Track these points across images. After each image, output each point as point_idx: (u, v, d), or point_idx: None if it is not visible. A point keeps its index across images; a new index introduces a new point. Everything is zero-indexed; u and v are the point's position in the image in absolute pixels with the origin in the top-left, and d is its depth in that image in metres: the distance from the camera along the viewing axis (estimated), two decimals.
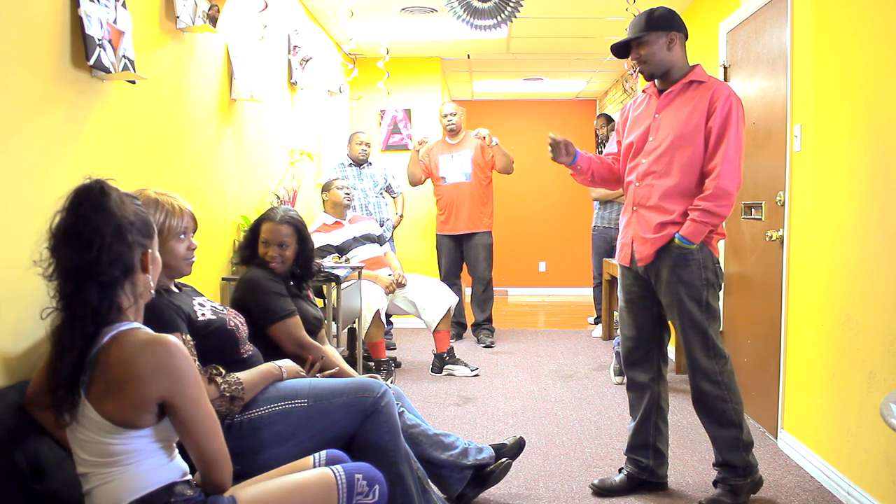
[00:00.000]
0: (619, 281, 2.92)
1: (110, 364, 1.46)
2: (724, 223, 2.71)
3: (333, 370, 2.58)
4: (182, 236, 2.04)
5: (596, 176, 2.95)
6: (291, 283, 2.81)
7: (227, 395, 2.03)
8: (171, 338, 1.50)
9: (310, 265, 2.85)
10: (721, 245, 4.18)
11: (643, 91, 2.88)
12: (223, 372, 2.05)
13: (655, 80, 2.78)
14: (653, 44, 2.67)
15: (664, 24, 2.68)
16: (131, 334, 1.49)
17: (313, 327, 2.74)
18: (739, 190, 2.64)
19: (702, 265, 2.65)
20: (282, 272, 2.76)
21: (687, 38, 2.74)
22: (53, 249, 1.47)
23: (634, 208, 2.78)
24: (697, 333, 2.67)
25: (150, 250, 1.57)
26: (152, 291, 1.61)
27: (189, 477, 1.60)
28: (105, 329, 1.49)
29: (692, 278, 2.65)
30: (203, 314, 2.14)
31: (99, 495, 1.49)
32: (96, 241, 1.45)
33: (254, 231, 2.81)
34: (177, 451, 1.60)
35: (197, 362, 1.99)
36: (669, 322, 2.84)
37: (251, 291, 2.64)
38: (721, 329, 4.17)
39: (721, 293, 4.17)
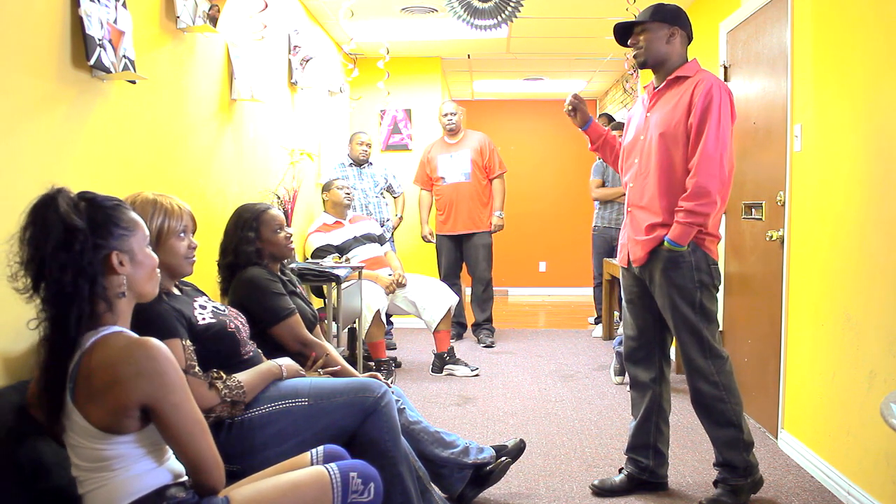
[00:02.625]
0: (620, 281, 2.92)
1: (92, 369, 1.45)
2: (720, 225, 2.70)
3: (335, 368, 2.58)
4: (182, 235, 2.04)
5: (606, 147, 3.01)
6: (285, 278, 2.80)
7: (229, 400, 2.03)
8: (153, 341, 1.48)
9: None
10: (721, 245, 4.18)
11: (644, 87, 2.88)
12: (223, 376, 2.05)
13: (655, 77, 2.77)
14: (653, 32, 2.67)
15: (669, 17, 2.68)
16: (113, 338, 1.48)
17: (309, 324, 2.73)
18: (728, 185, 2.59)
19: (694, 267, 2.63)
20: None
21: (691, 39, 2.74)
22: (20, 262, 1.48)
23: (629, 209, 2.79)
24: (692, 335, 2.66)
25: (115, 251, 1.52)
26: (123, 293, 1.54)
27: (183, 479, 1.59)
28: (88, 334, 1.48)
29: (684, 280, 2.64)
30: (204, 318, 2.14)
31: (93, 500, 1.49)
32: (39, 251, 1.45)
33: (255, 229, 2.72)
34: (170, 453, 1.59)
35: (197, 367, 2.00)
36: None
37: (252, 293, 2.61)
38: (720, 329, 4.17)
39: (721, 293, 4.17)
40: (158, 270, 1.65)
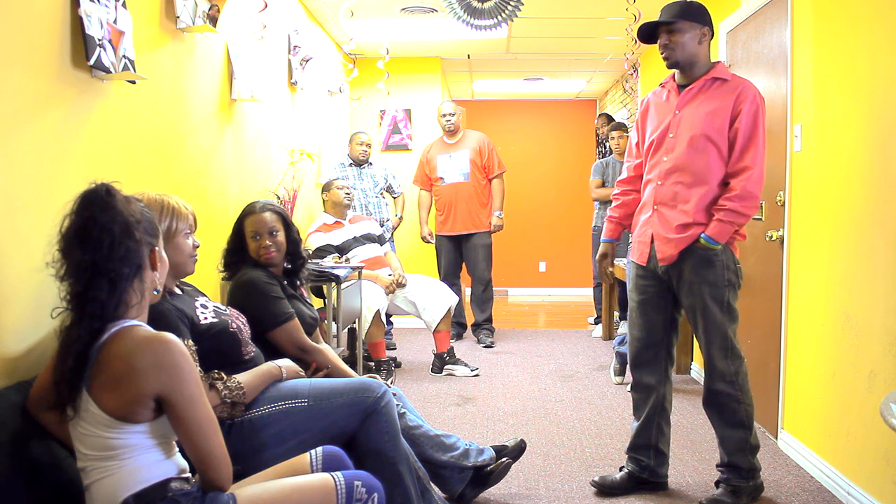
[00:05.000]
0: (632, 280, 2.88)
1: (110, 359, 1.49)
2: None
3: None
4: (187, 234, 2.06)
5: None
6: (285, 281, 2.74)
7: (229, 401, 2.03)
8: (172, 336, 1.53)
9: (299, 250, 2.77)
10: None
11: (661, 85, 2.84)
12: (224, 377, 2.05)
13: (675, 75, 2.75)
14: (685, 32, 2.64)
15: (700, 17, 2.65)
16: (133, 331, 1.52)
17: (309, 327, 2.70)
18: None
19: (725, 266, 2.65)
20: (278, 262, 2.70)
21: (713, 38, 2.72)
22: (64, 251, 1.51)
23: (655, 207, 2.74)
24: (717, 334, 2.66)
25: (157, 248, 1.60)
26: (157, 289, 1.63)
27: (188, 474, 1.61)
28: (109, 325, 1.52)
29: (716, 279, 2.64)
30: (206, 317, 2.14)
31: (97, 490, 1.51)
32: (105, 238, 1.49)
33: (237, 232, 2.71)
34: (177, 449, 1.62)
35: (199, 367, 2.00)
36: (685, 322, 2.83)
37: (249, 296, 2.56)
38: None
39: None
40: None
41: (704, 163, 2.63)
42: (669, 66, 2.72)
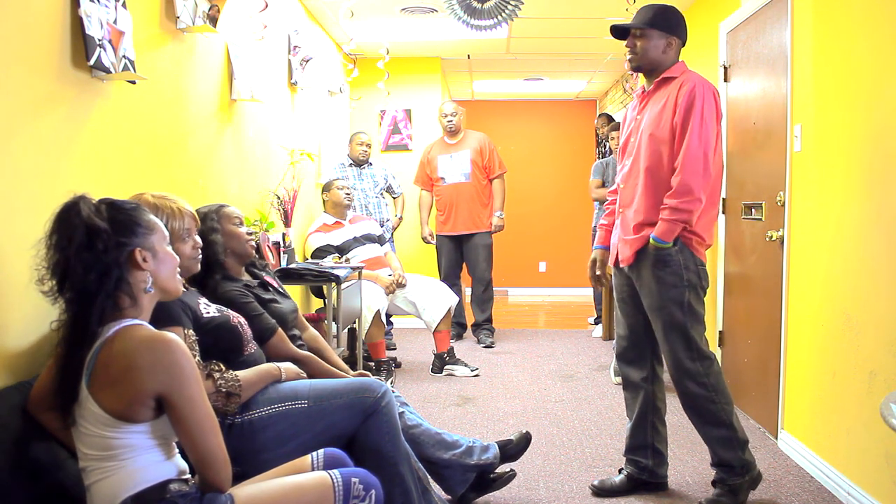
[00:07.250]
0: (612, 281, 2.93)
1: (111, 358, 1.49)
2: (712, 227, 2.70)
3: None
4: (185, 237, 2.07)
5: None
6: (256, 282, 2.63)
7: (224, 390, 2.02)
8: (173, 335, 1.53)
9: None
10: (721, 245, 4.17)
11: (634, 93, 2.90)
12: (222, 368, 2.06)
13: (645, 80, 2.78)
14: (650, 39, 2.66)
15: (668, 25, 2.67)
16: (133, 330, 1.53)
17: (292, 321, 2.65)
18: (717, 183, 2.61)
19: (682, 266, 2.62)
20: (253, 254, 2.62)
21: (684, 44, 2.74)
22: (46, 269, 1.55)
23: (620, 210, 2.80)
24: (679, 335, 2.64)
25: (138, 248, 1.58)
26: (148, 287, 1.60)
27: (187, 476, 1.61)
28: (109, 325, 1.53)
29: (672, 279, 2.62)
30: (208, 312, 2.17)
31: (97, 491, 1.51)
32: (63, 253, 1.51)
33: (216, 221, 2.51)
34: (177, 450, 1.62)
35: (198, 357, 2.01)
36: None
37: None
38: (721, 329, 4.17)
39: (721, 293, 4.17)
40: (178, 269, 1.69)
41: (655, 162, 2.64)
42: (632, 70, 2.76)
